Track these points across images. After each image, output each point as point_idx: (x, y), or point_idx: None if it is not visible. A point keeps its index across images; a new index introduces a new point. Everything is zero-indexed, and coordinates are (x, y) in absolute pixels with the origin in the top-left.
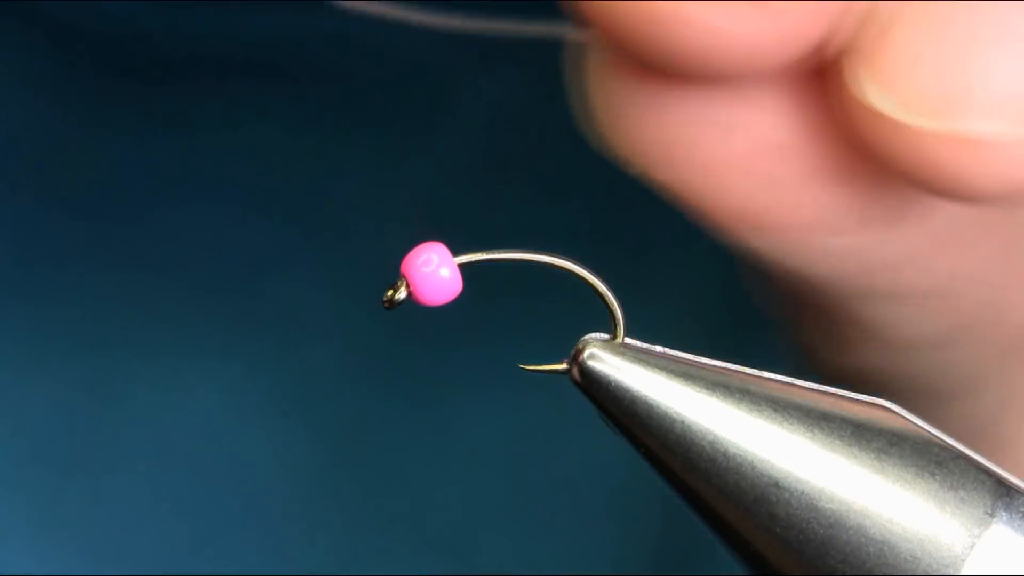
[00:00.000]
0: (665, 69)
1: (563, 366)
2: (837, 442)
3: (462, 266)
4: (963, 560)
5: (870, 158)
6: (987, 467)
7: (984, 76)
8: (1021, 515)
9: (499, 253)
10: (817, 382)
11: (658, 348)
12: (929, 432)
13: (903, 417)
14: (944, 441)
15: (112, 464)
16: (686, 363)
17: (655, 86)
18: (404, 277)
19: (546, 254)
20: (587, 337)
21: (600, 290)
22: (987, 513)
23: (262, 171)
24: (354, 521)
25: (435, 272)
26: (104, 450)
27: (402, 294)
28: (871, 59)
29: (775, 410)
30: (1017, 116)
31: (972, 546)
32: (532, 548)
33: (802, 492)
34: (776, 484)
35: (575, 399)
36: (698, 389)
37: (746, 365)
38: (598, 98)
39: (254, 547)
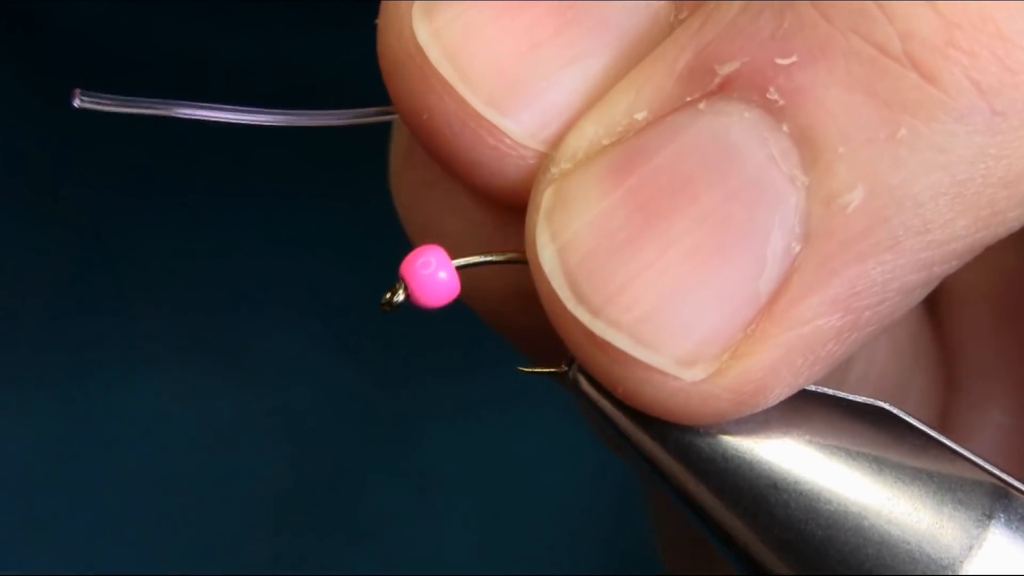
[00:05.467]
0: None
1: (561, 368)
2: (835, 443)
3: (460, 268)
4: (961, 561)
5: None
6: (986, 468)
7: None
8: (1019, 517)
9: (496, 255)
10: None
11: None
12: (928, 433)
13: (902, 418)
14: (943, 442)
15: (104, 477)
16: None
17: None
18: (403, 279)
19: None
20: None
21: None
22: (985, 515)
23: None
24: (326, 539)
25: (433, 274)
26: (98, 463)
27: (400, 296)
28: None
29: (773, 411)
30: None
31: (970, 547)
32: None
33: (800, 493)
34: (774, 486)
35: (539, 427)
36: None
37: None
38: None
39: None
